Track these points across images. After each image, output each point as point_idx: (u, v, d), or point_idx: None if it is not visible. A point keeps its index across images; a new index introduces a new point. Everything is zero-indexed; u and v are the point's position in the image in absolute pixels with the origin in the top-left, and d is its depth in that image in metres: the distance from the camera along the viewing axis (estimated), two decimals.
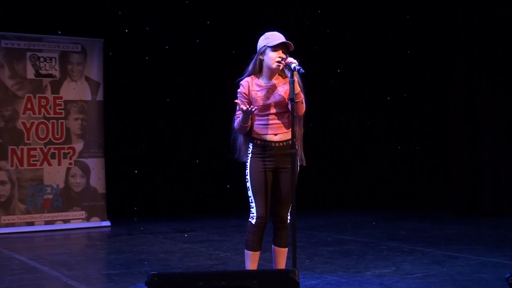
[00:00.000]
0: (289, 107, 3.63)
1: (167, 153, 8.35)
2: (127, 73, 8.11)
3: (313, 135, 8.98)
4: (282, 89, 3.70)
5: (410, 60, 9.30)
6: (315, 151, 8.98)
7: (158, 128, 8.28)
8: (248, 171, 3.66)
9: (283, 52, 3.66)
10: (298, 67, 3.53)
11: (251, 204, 3.63)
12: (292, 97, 3.53)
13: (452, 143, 7.68)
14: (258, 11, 8.41)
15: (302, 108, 3.64)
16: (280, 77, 3.74)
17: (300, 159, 3.72)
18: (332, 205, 8.70)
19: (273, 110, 3.68)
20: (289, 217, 3.69)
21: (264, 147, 3.63)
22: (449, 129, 7.78)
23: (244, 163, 3.70)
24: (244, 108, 3.56)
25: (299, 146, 3.68)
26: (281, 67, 3.66)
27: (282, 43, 3.64)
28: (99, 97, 7.20)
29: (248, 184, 3.65)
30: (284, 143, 3.67)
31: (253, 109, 3.56)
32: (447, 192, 8.10)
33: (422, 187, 9.15)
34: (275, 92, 3.70)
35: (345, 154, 9.21)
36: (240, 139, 3.77)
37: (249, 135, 3.71)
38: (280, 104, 3.68)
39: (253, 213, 3.63)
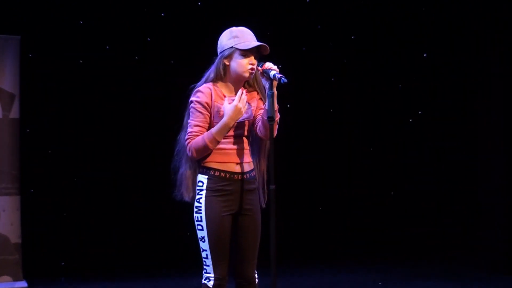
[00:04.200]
0: (257, 128, 3.60)
1: (106, 190, 8.23)
2: (54, 81, 8.00)
3: (297, 165, 9.01)
4: (250, 105, 3.66)
5: (426, 69, 9.33)
6: (299, 187, 8.96)
7: (95, 155, 8.17)
8: (202, 215, 3.58)
9: (255, 57, 3.63)
10: (279, 76, 3.51)
11: (205, 260, 3.58)
12: (272, 115, 3.49)
13: (483, 180, 7.70)
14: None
15: (276, 130, 3.61)
16: (245, 89, 3.70)
17: (265, 199, 3.68)
18: (323, 260, 8.61)
19: (237, 131, 3.63)
20: (256, 276, 3.64)
21: (223, 180, 3.57)
22: (479, 161, 7.80)
23: (191, 204, 3.61)
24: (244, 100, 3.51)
25: (261, 180, 3.66)
26: (252, 76, 3.62)
27: (256, 46, 3.61)
28: (14, 113, 7.09)
29: (203, 234, 3.59)
30: (248, 175, 3.64)
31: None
32: (478, 242, 8.09)
33: (444, 235, 9.11)
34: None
35: (340, 191, 9.15)
36: (184, 168, 3.68)
37: (199, 164, 3.63)
38: (247, 124, 3.64)
39: (209, 273, 3.58)
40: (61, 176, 8.01)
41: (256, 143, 3.73)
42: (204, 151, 3.58)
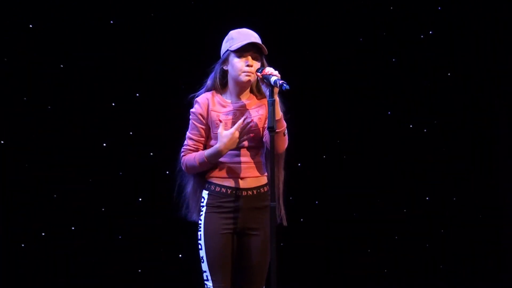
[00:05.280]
0: (265, 139, 3.59)
1: (90, 208, 8.19)
2: (32, 87, 7.96)
3: (300, 179, 8.97)
4: (256, 113, 3.68)
5: (439, 77, 9.33)
6: (304, 202, 8.93)
7: (78, 169, 8.13)
8: (201, 233, 3.61)
9: (253, 58, 3.62)
10: (280, 82, 3.51)
11: (206, 282, 3.60)
12: (272, 125, 3.50)
13: (504, 191, 7.70)
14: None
15: (284, 142, 3.64)
16: (253, 96, 3.70)
17: (279, 217, 3.68)
18: (330, 282, 8.58)
19: (241, 143, 3.63)
20: None
21: (224, 197, 3.57)
22: (500, 170, 7.80)
23: (196, 222, 3.63)
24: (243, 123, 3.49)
25: (278, 197, 3.65)
26: (252, 79, 3.61)
27: (251, 45, 3.60)
28: None
29: (202, 253, 3.63)
30: (255, 192, 3.65)
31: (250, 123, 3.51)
32: (497, 260, 8.08)
33: (461, 253, 9.10)
34: (247, 116, 3.64)
35: (349, 205, 9.13)
36: (189, 187, 3.71)
37: (203, 179, 3.64)
38: (252, 134, 3.63)
39: None
40: (39, 192, 7.96)
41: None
42: (197, 170, 3.62)
